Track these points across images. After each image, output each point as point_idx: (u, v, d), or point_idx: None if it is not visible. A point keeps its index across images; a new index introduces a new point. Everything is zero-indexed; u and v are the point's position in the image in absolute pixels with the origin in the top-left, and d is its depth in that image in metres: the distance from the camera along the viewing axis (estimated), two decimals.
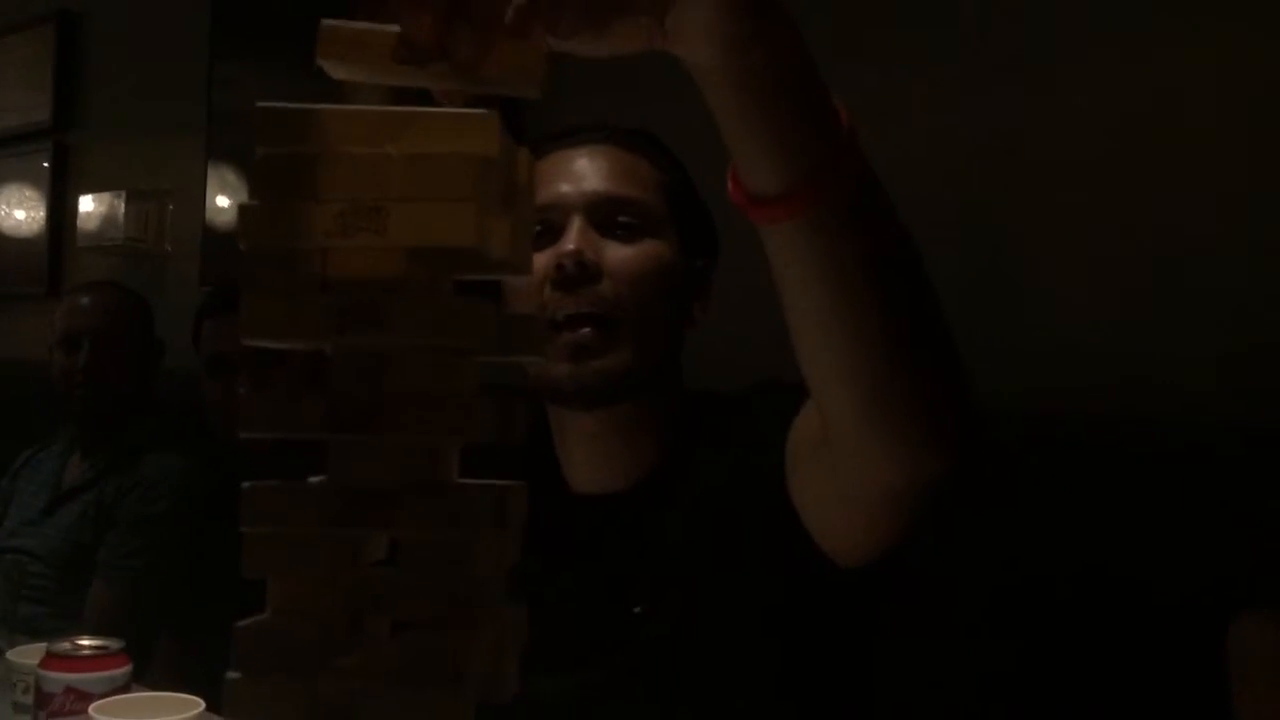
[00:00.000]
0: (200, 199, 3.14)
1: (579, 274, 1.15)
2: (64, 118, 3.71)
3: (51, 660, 1.23)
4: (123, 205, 3.32)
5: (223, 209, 3.09)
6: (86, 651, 1.25)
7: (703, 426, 1.25)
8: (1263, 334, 1.37)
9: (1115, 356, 1.57)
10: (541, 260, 1.17)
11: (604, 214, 1.19)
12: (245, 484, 0.58)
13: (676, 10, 0.69)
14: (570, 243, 1.16)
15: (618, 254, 1.18)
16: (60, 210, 3.68)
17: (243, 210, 0.57)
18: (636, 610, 1.21)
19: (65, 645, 1.25)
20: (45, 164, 3.73)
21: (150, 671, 1.89)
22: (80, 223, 3.48)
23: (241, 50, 3.07)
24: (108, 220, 3.38)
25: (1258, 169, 1.49)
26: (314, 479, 0.60)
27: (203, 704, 1.17)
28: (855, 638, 1.20)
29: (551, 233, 1.19)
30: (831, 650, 1.19)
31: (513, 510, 0.62)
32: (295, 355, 0.60)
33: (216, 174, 3.12)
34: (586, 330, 1.16)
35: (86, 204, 3.46)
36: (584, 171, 1.20)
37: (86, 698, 1.20)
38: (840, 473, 0.96)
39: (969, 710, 1.19)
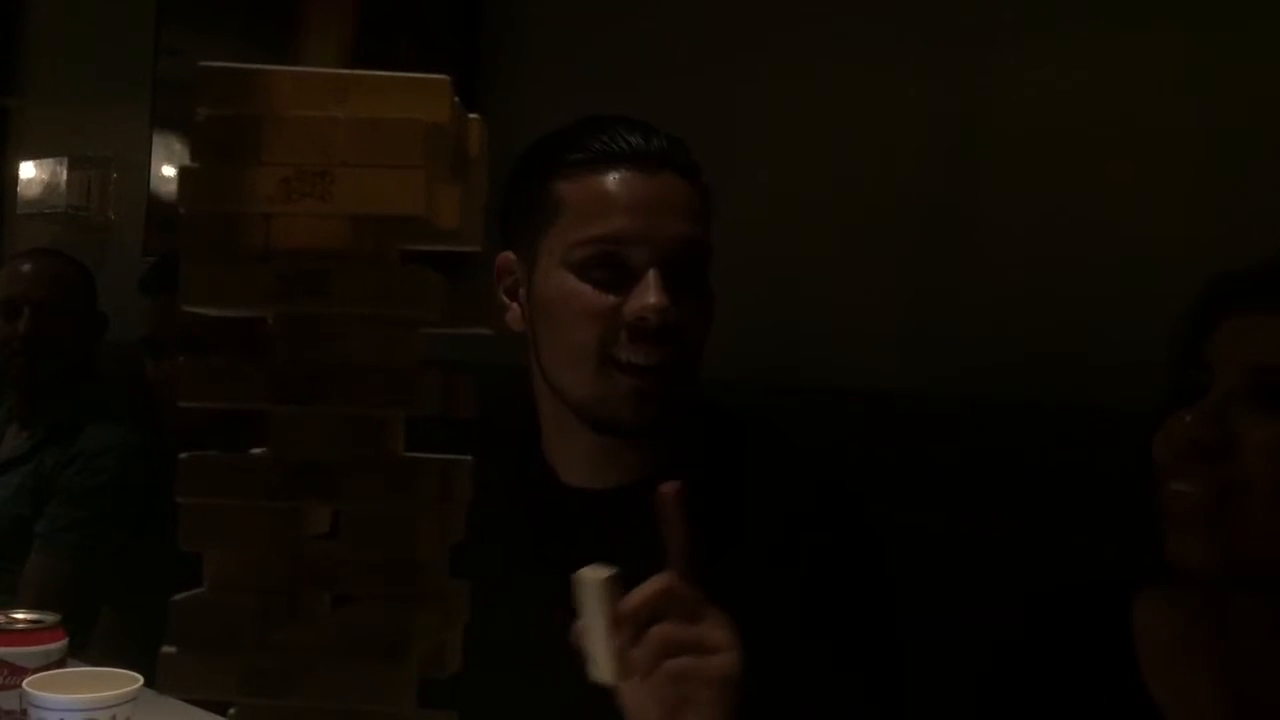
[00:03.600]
0: (144, 167, 3.08)
1: (661, 331, 1.14)
2: (5, 82, 3.63)
3: None
4: (64, 172, 3.25)
5: (168, 178, 3.04)
6: (21, 625, 1.23)
7: (707, 433, 1.25)
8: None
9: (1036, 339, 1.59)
10: (609, 301, 1.14)
11: (679, 263, 1.15)
12: (183, 455, 0.57)
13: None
14: (654, 297, 1.13)
15: (691, 313, 1.16)
16: (1, 177, 3.60)
17: (183, 173, 0.56)
18: None
19: None
20: None
21: (91, 646, 1.87)
22: (21, 190, 3.41)
23: (188, 16, 3.01)
24: (49, 187, 3.31)
25: (1223, 154, 1.50)
26: (255, 450, 0.58)
27: (140, 679, 1.16)
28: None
29: (619, 269, 1.15)
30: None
31: (457, 484, 0.61)
32: (230, 326, 0.59)
33: (161, 142, 3.06)
34: (654, 380, 1.15)
35: (27, 170, 3.39)
36: (657, 207, 1.15)
37: (20, 672, 1.17)
38: None
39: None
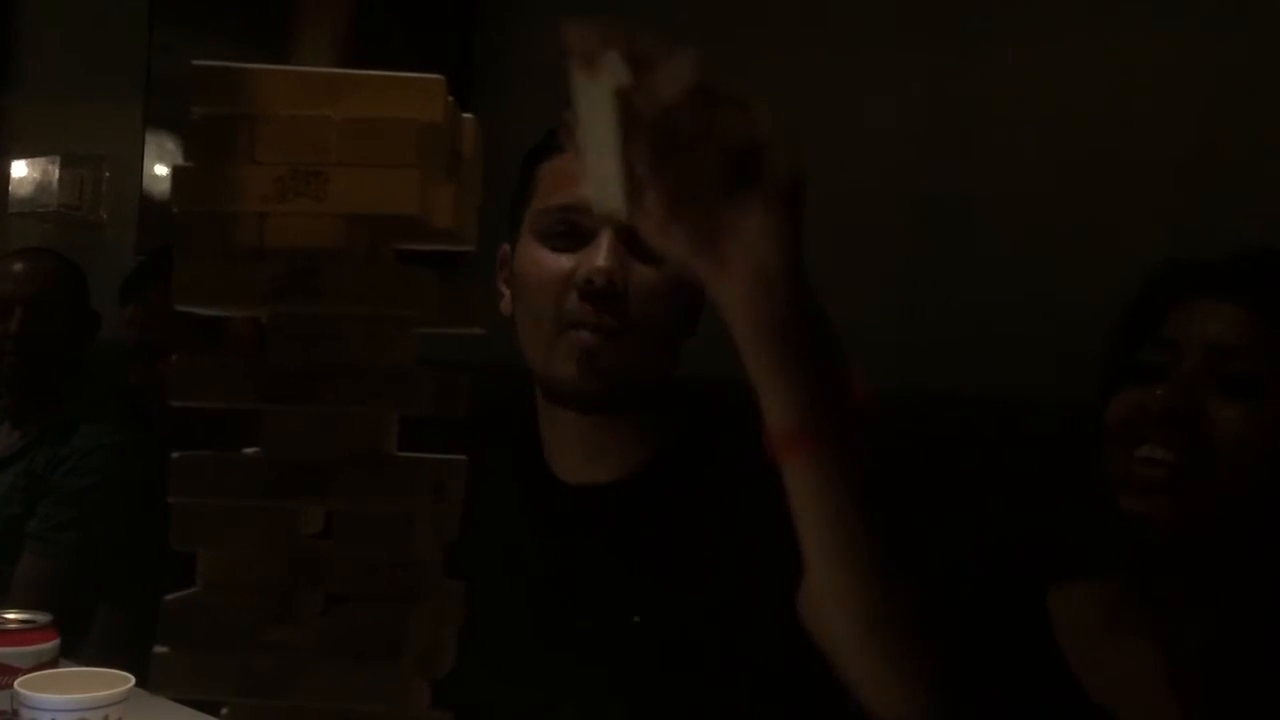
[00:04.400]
0: (137, 166, 3.07)
1: (608, 293, 1.15)
2: None
3: None
4: (57, 171, 3.24)
5: (160, 177, 3.03)
6: (13, 625, 1.22)
7: (697, 427, 1.25)
8: None
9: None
10: (565, 264, 1.17)
11: (631, 234, 1.17)
12: (176, 454, 0.56)
13: (738, 240, 0.77)
14: (602, 259, 1.15)
15: (644, 277, 1.16)
16: None
17: (177, 172, 0.56)
18: (636, 619, 1.21)
19: None
20: None
21: (86, 646, 1.86)
22: (12, 188, 3.40)
23: (181, 15, 3.00)
24: (41, 186, 3.30)
25: (1224, 151, 1.50)
26: (248, 450, 0.58)
27: (132, 680, 1.15)
28: None
29: (577, 236, 1.18)
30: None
31: (452, 484, 0.61)
32: (223, 325, 0.58)
33: (154, 141, 3.06)
34: (600, 338, 1.16)
35: (19, 169, 3.38)
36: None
37: (12, 671, 1.17)
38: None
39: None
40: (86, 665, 1.23)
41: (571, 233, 1.18)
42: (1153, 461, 0.95)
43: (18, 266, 2.42)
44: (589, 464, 1.26)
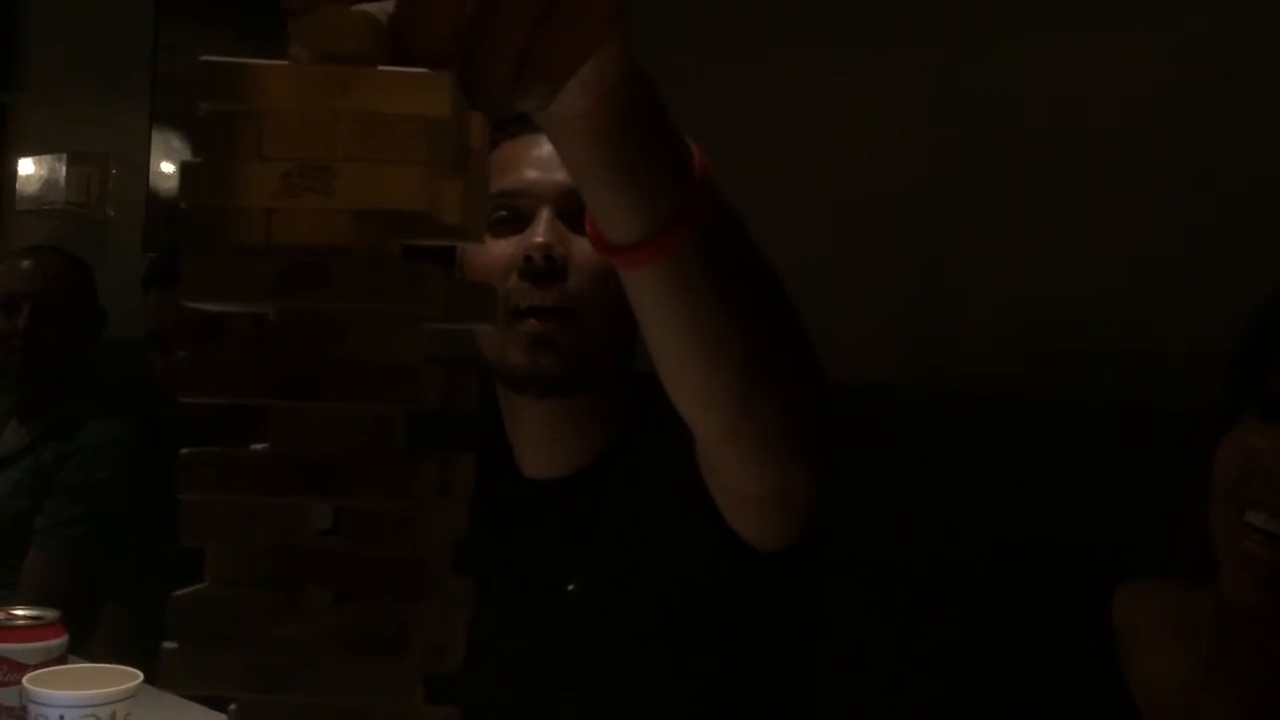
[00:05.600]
0: (143, 163, 3.08)
1: (547, 268, 1.14)
2: (5, 78, 3.62)
3: None
4: (63, 168, 3.26)
5: (166, 174, 3.04)
6: (21, 622, 1.23)
7: (647, 410, 1.24)
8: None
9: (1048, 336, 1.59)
10: (507, 248, 1.17)
11: (573, 206, 1.15)
12: (184, 450, 0.56)
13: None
14: (539, 235, 1.15)
15: (585, 250, 1.16)
16: None
17: (184, 168, 0.56)
18: (570, 588, 1.20)
19: None
20: None
21: (94, 642, 1.87)
22: (19, 186, 3.41)
23: (186, 13, 3.01)
24: (48, 184, 3.31)
25: (1229, 147, 1.50)
26: (256, 446, 0.58)
27: (140, 676, 1.16)
28: (790, 617, 1.21)
29: (518, 220, 1.18)
30: (766, 630, 1.19)
31: (459, 480, 0.61)
32: (230, 321, 0.58)
33: (160, 138, 3.06)
34: (549, 324, 1.15)
35: (26, 167, 3.39)
36: (553, 159, 1.16)
37: (20, 668, 1.18)
38: (718, 480, 0.98)
39: (906, 683, 1.21)
40: (94, 662, 1.24)
41: (512, 217, 1.19)
42: (1263, 534, 0.81)
43: (25, 264, 2.43)
44: (549, 454, 1.26)
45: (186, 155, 0.53)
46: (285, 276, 0.55)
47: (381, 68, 0.56)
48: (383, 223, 0.57)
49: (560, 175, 1.16)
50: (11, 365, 2.36)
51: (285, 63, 0.55)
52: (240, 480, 0.56)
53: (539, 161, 1.18)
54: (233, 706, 0.58)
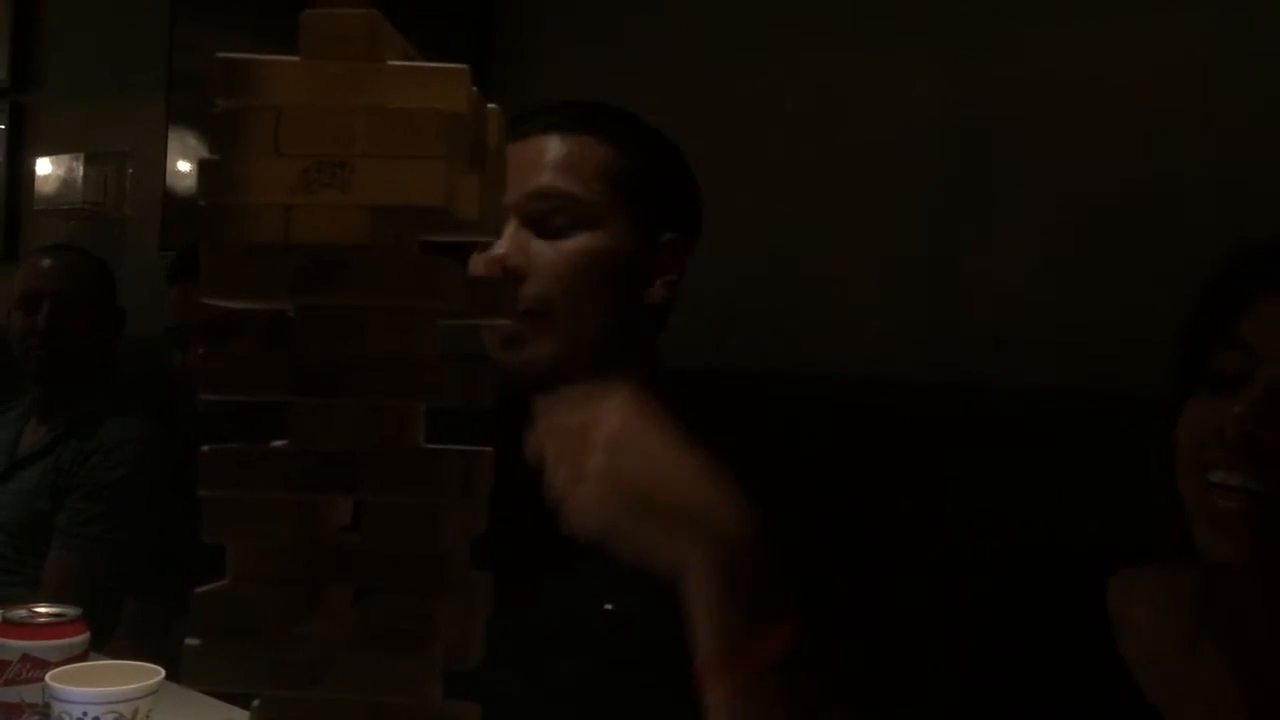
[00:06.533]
0: (160, 163, 3.09)
1: (505, 279, 1.16)
2: (22, 78, 3.63)
3: (8, 628, 1.21)
4: (81, 168, 3.26)
5: (183, 173, 3.04)
6: (43, 619, 1.23)
7: (684, 412, 1.24)
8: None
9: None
10: (481, 261, 1.19)
11: (537, 212, 1.19)
12: (205, 447, 0.56)
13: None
14: (500, 248, 1.18)
15: (544, 254, 1.18)
16: (17, 173, 3.61)
17: (203, 165, 0.56)
18: (607, 607, 1.21)
19: (22, 612, 1.23)
20: (2, 126, 3.65)
21: (114, 639, 1.88)
22: (37, 186, 3.42)
23: (202, 12, 3.01)
24: (66, 183, 3.32)
25: (1238, 140, 1.49)
26: (276, 443, 0.58)
27: (162, 672, 1.16)
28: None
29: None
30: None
31: (479, 476, 0.61)
32: (254, 322, 0.58)
33: (177, 137, 3.07)
34: (520, 324, 1.17)
35: (44, 166, 3.40)
36: (524, 166, 1.19)
37: (43, 665, 1.18)
38: None
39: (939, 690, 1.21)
40: (115, 659, 1.24)
41: None
42: (1227, 489, 0.85)
43: (45, 262, 2.44)
44: None
45: (203, 153, 0.53)
46: (304, 273, 0.55)
47: (398, 63, 0.56)
48: (401, 218, 0.57)
49: (526, 184, 1.19)
50: (31, 364, 2.37)
51: (302, 59, 0.55)
52: (261, 477, 0.56)
53: (512, 170, 1.19)
54: (255, 702, 0.58)
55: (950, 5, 1.71)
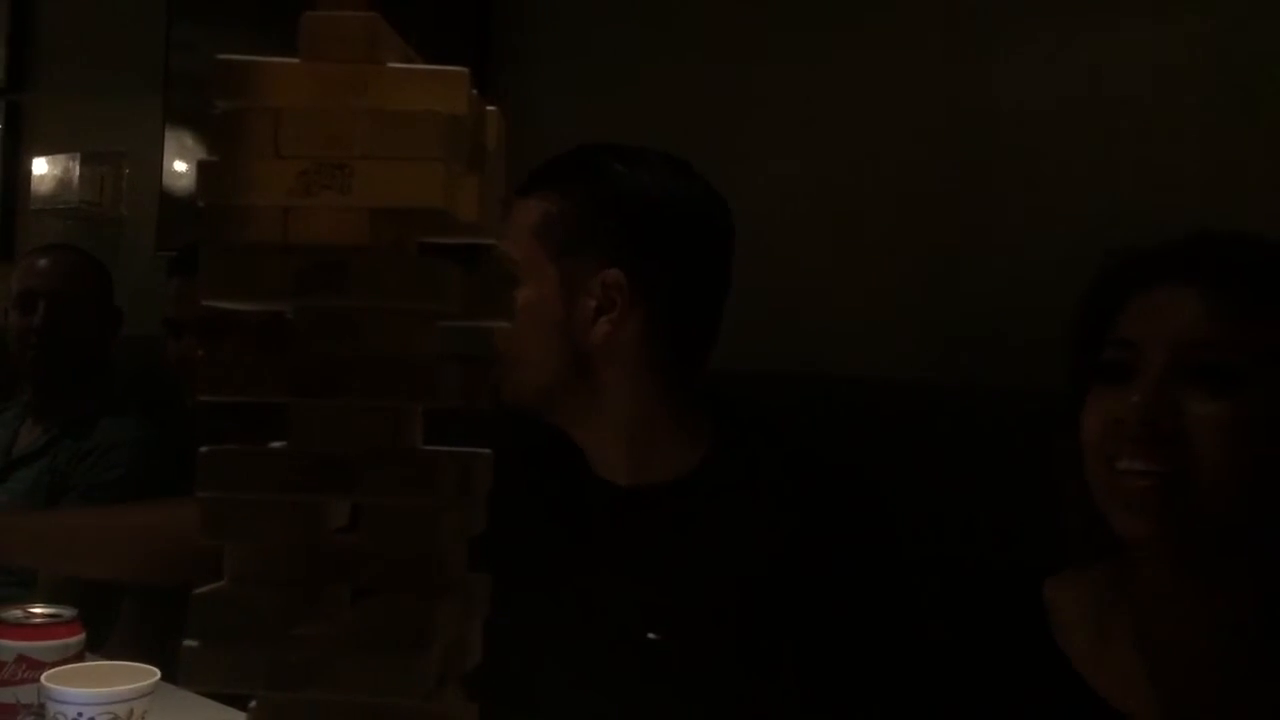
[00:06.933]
0: (157, 163, 3.08)
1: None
2: (18, 78, 3.63)
3: (3, 628, 1.21)
4: (77, 168, 3.26)
5: (180, 173, 3.04)
6: (39, 619, 1.23)
7: (733, 445, 1.29)
8: None
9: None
10: None
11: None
12: (203, 448, 0.56)
13: None
14: None
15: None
16: (13, 172, 3.60)
17: (202, 167, 0.56)
18: (651, 636, 1.23)
19: (17, 613, 1.23)
20: None
21: (110, 640, 1.87)
22: (34, 185, 3.41)
23: (199, 12, 3.01)
24: (61, 183, 3.31)
25: (1230, 144, 1.49)
26: (275, 444, 0.58)
27: (158, 674, 1.16)
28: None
29: None
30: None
31: (477, 478, 0.61)
32: (248, 319, 0.59)
33: (174, 137, 3.06)
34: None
35: (40, 166, 3.39)
36: (511, 232, 1.28)
37: (38, 666, 1.18)
38: None
39: None
40: (111, 659, 1.24)
41: None
42: (1135, 473, 0.92)
43: (42, 262, 2.43)
44: (610, 468, 1.31)
45: (200, 154, 0.53)
46: (303, 275, 0.55)
47: (397, 65, 0.56)
48: (400, 220, 0.57)
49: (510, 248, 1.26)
50: (27, 364, 2.37)
51: (301, 61, 0.55)
52: (259, 478, 0.56)
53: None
54: (253, 704, 0.58)
55: (951, 5, 1.71)
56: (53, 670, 1.16)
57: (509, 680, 1.22)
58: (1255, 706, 0.95)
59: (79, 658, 1.23)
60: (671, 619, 1.22)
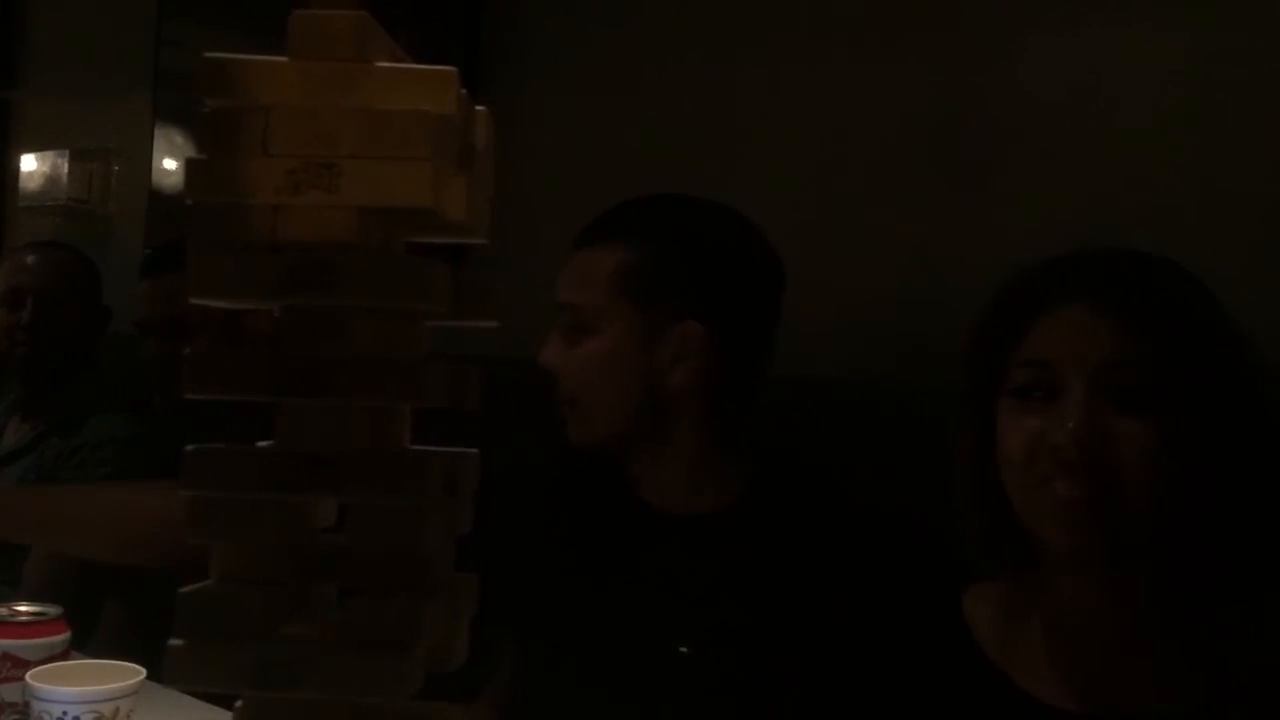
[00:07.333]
0: (146, 160, 3.07)
1: (552, 384, 1.35)
2: (6, 74, 3.62)
3: None
4: (66, 165, 3.25)
5: (169, 171, 3.03)
6: (24, 618, 1.23)
7: (775, 477, 1.34)
8: None
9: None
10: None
11: (566, 323, 1.36)
12: (189, 447, 0.56)
13: None
14: (541, 352, 1.36)
15: (565, 358, 1.35)
16: (2, 169, 3.59)
17: (190, 165, 0.56)
18: (682, 650, 1.26)
19: (2, 611, 1.22)
20: None
21: (94, 639, 1.87)
22: (22, 182, 3.40)
23: (188, 8, 3.01)
24: (50, 180, 3.30)
25: (1224, 148, 1.50)
26: (261, 443, 0.58)
27: (143, 672, 1.15)
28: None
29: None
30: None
31: (463, 477, 0.61)
32: (216, 316, 0.59)
33: (163, 134, 3.06)
34: (559, 412, 1.35)
35: (29, 163, 3.38)
36: (561, 279, 1.37)
37: (23, 664, 1.17)
38: None
39: None
40: (96, 658, 1.24)
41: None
42: (1071, 500, 0.94)
43: (30, 259, 2.43)
44: (666, 497, 1.36)
45: (189, 151, 0.53)
46: (291, 273, 0.55)
47: (386, 64, 0.56)
48: (388, 219, 0.57)
49: (561, 293, 1.35)
50: (15, 360, 2.36)
51: (291, 60, 0.55)
52: (245, 477, 0.56)
53: (565, 278, 1.36)
54: (238, 703, 0.58)
55: (946, 6, 1.71)
56: (37, 669, 1.15)
57: (545, 690, 1.32)
58: (1165, 692, 0.98)
59: (64, 656, 1.23)
60: (704, 635, 1.27)
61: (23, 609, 1.24)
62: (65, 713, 1.10)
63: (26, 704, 1.13)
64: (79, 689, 1.11)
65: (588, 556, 1.36)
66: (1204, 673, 0.97)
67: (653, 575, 1.33)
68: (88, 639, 1.70)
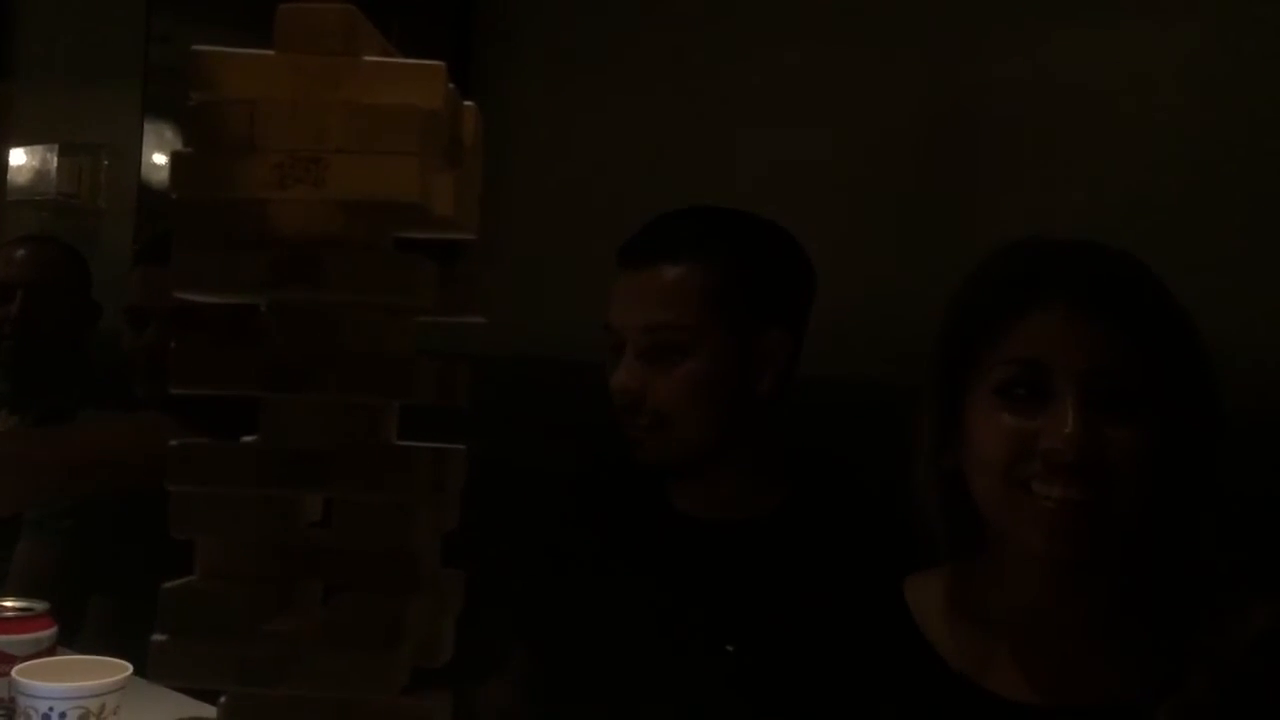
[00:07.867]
0: (136, 154, 3.06)
1: (632, 406, 1.33)
2: None
3: None
4: (55, 159, 3.24)
5: (159, 165, 3.02)
6: (10, 613, 1.22)
7: (814, 482, 1.37)
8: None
9: None
10: (612, 383, 1.35)
11: (649, 344, 1.33)
12: (173, 441, 0.56)
13: None
14: (621, 376, 1.34)
15: (659, 384, 1.33)
16: None
17: (176, 159, 0.55)
18: (729, 648, 1.28)
19: None
20: None
21: (82, 635, 1.86)
22: (11, 176, 3.39)
23: (178, 3, 3.00)
24: (39, 174, 3.29)
25: (1222, 147, 1.50)
26: (247, 438, 0.58)
27: (130, 668, 1.15)
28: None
29: (615, 350, 1.35)
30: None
31: (450, 473, 0.61)
32: (218, 312, 0.58)
33: (153, 129, 3.05)
34: (638, 432, 1.34)
35: (18, 157, 3.37)
36: (635, 299, 1.35)
37: (10, 660, 1.17)
38: None
39: None
40: (83, 654, 1.23)
41: (612, 346, 1.37)
42: (1064, 503, 0.94)
43: (20, 252, 2.42)
44: (699, 504, 1.38)
45: (179, 146, 0.53)
46: (277, 268, 0.55)
47: (374, 58, 0.56)
48: (375, 215, 0.56)
49: (637, 318, 1.33)
50: (3, 354, 2.35)
51: (278, 54, 0.55)
52: (230, 472, 0.56)
53: (625, 300, 1.35)
54: (223, 699, 0.58)
55: (946, 6, 1.71)
56: (24, 664, 1.15)
57: (589, 687, 1.33)
58: (1117, 682, 0.99)
59: (50, 652, 1.22)
60: (749, 634, 1.28)
61: (9, 605, 1.24)
62: (51, 709, 1.09)
63: (13, 700, 1.12)
64: (65, 685, 1.10)
65: (627, 561, 1.38)
66: (1159, 663, 0.97)
67: (698, 580, 1.34)
68: (76, 634, 1.70)
